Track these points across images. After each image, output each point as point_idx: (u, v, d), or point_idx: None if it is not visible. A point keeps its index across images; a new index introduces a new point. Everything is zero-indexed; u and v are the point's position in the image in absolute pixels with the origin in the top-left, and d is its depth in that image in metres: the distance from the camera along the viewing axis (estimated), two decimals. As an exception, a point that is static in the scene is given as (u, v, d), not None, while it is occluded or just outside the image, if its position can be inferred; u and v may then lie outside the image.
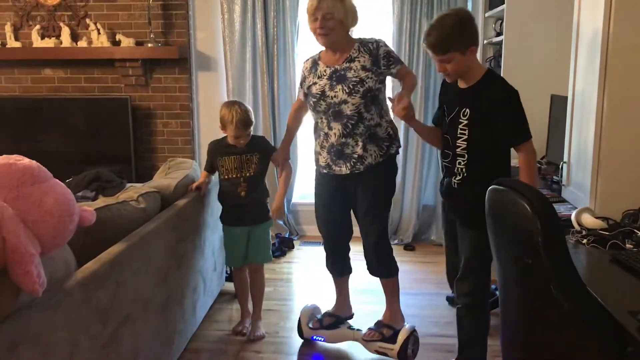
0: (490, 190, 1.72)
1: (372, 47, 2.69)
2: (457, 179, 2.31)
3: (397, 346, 2.76)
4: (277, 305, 3.47)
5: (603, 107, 2.14)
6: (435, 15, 2.39)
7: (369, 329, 2.93)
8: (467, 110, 2.22)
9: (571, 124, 2.47)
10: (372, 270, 2.90)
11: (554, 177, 2.93)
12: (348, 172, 2.71)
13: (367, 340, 2.87)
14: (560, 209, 2.34)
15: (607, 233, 2.01)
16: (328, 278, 3.99)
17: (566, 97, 2.55)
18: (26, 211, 1.50)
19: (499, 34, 3.98)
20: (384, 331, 2.87)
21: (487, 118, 2.18)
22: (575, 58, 2.43)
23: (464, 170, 2.28)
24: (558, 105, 3.16)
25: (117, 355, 1.95)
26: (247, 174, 2.89)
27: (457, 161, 2.28)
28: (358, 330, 2.98)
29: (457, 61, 2.17)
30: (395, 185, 2.90)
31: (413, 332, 2.83)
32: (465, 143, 2.25)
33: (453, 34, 2.15)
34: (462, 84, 2.28)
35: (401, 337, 2.77)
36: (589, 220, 2.10)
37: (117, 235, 2.14)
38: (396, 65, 2.73)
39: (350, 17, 2.65)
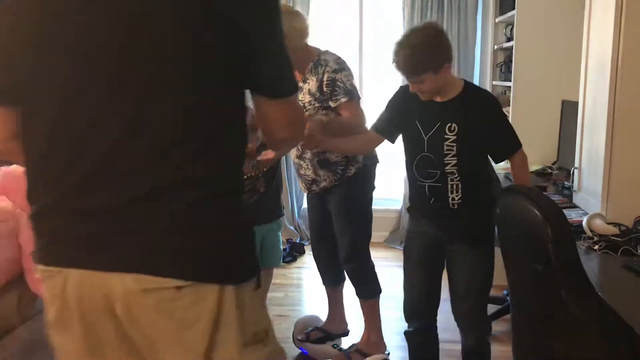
0: (501, 196, 1.73)
1: (320, 71, 2.38)
2: (455, 200, 2.10)
3: None
4: (288, 310, 3.48)
5: (614, 113, 2.14)
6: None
7: (340, 350, 2.83)
8: (454, 125, 2.05)
9: (582, 129, 2.47)
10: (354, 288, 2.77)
11: (565, 182, 2.92)
12: (306, 191, 2.66)
13: None
14: (572, 214, 2.34)
15: (618, 239, 2.00)
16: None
17: (577, 103, 2.55)
18: (42, 218, 1.52)
19: (509, 39, 3.99)
20: (353, 357, 2.77)
21: (477, 130, 2.06)
22: (586, 63, 2.43)
23: (459, 187, 2.09)
24: (569, 111, 3.16)
25: None
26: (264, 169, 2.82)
27: (449, 179, 2.09)
28: (342, 350, 2.87)
29: (430, 81, 2.01)
30: (367, 200, 2.70)
31: None
32: (455, 159, 2.07)
33: (423, 55, 1.97)
34: (438, 98, 2.10)
35: None
36: (600, 226, 2.09)
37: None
38: (338, 97, 2.36)
39: (294, 37, 2.24)
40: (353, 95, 2.41)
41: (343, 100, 2.37)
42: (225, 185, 1.13)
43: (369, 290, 2.76)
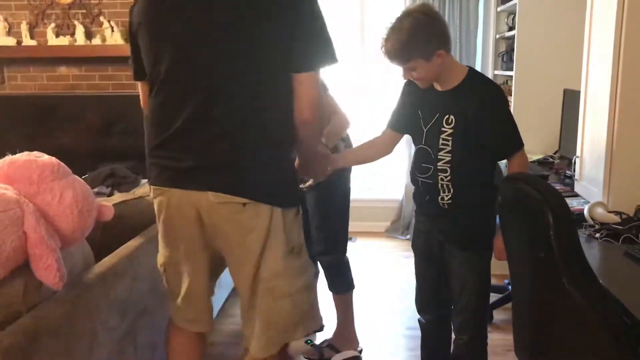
0: (503, 184, 1.73)
1: None
2: (445, 199, 1.98)
3: None
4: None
5: (616, 101, 2.14)
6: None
7: (313, 346, 2.80)
8: (452, 117, 1.91)
9: (584, 118, 2.47)
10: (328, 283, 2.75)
11: (567, 171, 2.92)
12: None
13: (305, 357, 2.77)
14: (573, 203, 2.34)
15: (620, 227, 2.01)
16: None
17: (579, 92, 2.54)
18: (46, 206, 1.53)
19: (511, 28, 3.98)
20: (325, 352, 2.76)
21: (476, 124, 1.89)
22: (588, 52, 2.43)
23: (449, 187, 1.96)
24: (571, 100, 3.16)
25: (134, 347, 1.98)
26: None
27: (439, 177, 1.96)
28: (314, 346, 2.81)
29: (422, 68, 1.87)
30: (347, 192, 2.67)
31: (353, 358, 2.68)
32: (449, 156, 1.93)
33: (412, 40, 1.82)
34: (438, 87, 1.97)
35: None
36: (602, 214, 2.10)
37: (133, 230, 2.18)
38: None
39: None
40: (326, 87, 2.52)
41: (325, 93, 2.46)
42: (279, 136, 1.60)
43: (345, 285, 2.73)
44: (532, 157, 3.39)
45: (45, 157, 1.60)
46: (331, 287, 2.74)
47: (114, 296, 1.86)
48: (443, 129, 1.93)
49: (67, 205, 1.56)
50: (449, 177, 1.95)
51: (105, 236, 2.03)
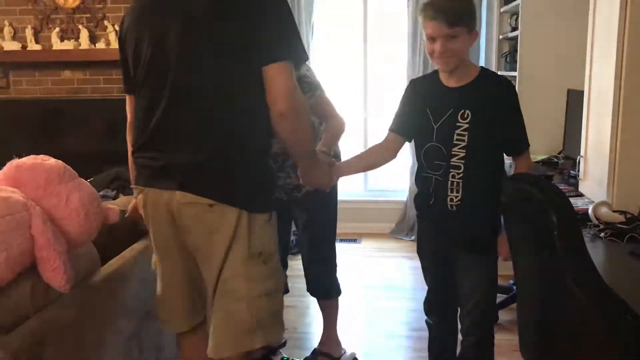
0: (507, 184, 1.73)
1: None
2: (454, 200, 1.95)
3: None
4: (294, 301, 3.50)
5: (620, 101, 2.14)
6: None
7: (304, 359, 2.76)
8: (467, 112, 1.89)
9: (588, 118, 2.47)
10: (309, 288, 2.72)
11: (571, 171, 2.92)
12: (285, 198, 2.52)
13: None
14: (578, 203, 2.34)
15: (624, 226, 2.01)
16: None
17: (583, 92, 2.54)
18: (53, 209, 1.54)
19: (514, 29, 3.98)
20: None
21: (493, 118, 1.89)
22: (592, 52, 2.43)
23: (460, 185, 1.93)
24: (575, 100, 3.15)
25: (140, 350, 2.00)
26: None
27: (451, 174, 1.94)
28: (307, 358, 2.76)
29: (462, 40, 1.84)
30: (336, 196, 2.62)
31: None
32: (464, 151, 1.91)
33: (465, 5, 1.86)
34: (451, 82, 1.95)
35: None
36: (606, 214, 2.10)
37: (139, 233, 2.18)
38: (313, 92, 2.38)
39: None
40: (321, 87, 2.46)
41: (318, 93, 2.41)
42: (249, 141, 1.61)
43: (335, 289, 2.70)
44: (537, 157, 3.39)
45: (51, 161, 1.62)
46: (321, 292, 2.71)
47: (120, 298, 1.87)
48: (458, 123, 1.91)
49: (73, 208, 1.57)
50: (461, 175, 1.92)
51: (111, 239, 2.04)
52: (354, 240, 4.68)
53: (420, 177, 2.06)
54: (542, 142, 3.52)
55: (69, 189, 1.58)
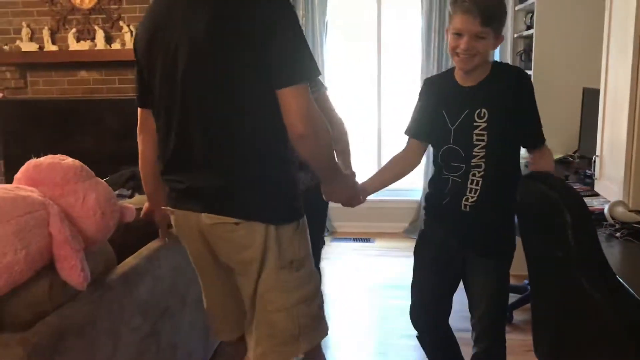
0: (521, 184, 1.72)
1: None
2: (470, 200, 1.91)
3: None
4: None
5: (636, 99, 2.12)
6: None
7: None
8: (484, 110, 1.86)
9: (604, 116, 2.45)
10: None
11: (587, 171, 2.90)
12: None
13: None
14: (593, 202, 2.33)
15: (641, 226, 1.99)
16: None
17: (598, 90, 2.52)
18: (70, 208, 1.56)
19: (529, 27, 3.95)
20: None
21: (512, 113, 1.86)
22: (608, 50, 2.41)
23: (479, 184, 1.90)
24: (590, 98, 3.13)
25: (157, 348, 2.01)
26: None
27: (472, 173, 1.91)
28: None
29: (488, 42, 1.81)
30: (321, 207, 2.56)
31: None
32: (483, 151, 1.87)
33: (500, 6, 1.85)
34: (466, 82, 1.92)
35: None
36: (622, 213, 2.08)
37: (154, 232, 2.20)
38: (318, 88, 2.31)
39: None
40: (324, 86, 2.45)
41: (323, 90, 2.39)
42: (269, 153, 1.59)
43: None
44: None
45: (68, 160, 1.64)
46: None
47: (137, 296, 1.89)
48: (475, 123, 1.87)
49: (90, 207, 1.59)
50: (482, 173, 1.89)
51: (127, 238, 2.06)
52: (367, 240, 4.68)
53: (437, 179, 2.02)
54: (557, 142, 3.49)
55: (85, 188, 1.61)
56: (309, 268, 1.72)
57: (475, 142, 1.88)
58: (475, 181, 1.91)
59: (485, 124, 1.86)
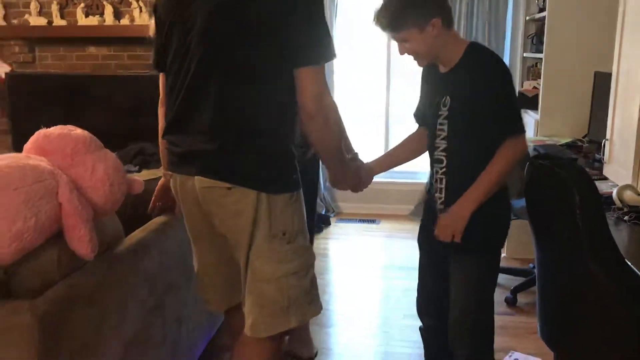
0: (530, 165, 1.72)
1: None
2: (439, 201, 1.81)
3: None
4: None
5: (648, 83, 2.10)
6: None
7: None
8: (447, 98, 1.74)
9: (615, 100, 2.43)
10: None
11: (596, 155, 2.89)
12: None
13: None
14: (602, 186, 2.31)
15: (649, 210, 1.99)
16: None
17: (610, 74, 2.50)
18: (80, 178, 1.57)
19: (541, 9, 3.91)
20: None
21: (470, 103, 1.69)
22: (621, 34, 2.38)
23: (443, 181, 1.79)
24: (601, 82, 3.10)
25: (162, 320, 2.03)
26: None
27: (435, 169, 1.81)
28: None
29: (415, 41, 1.71)
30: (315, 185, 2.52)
31: None
32: (445, 143, 1.76)
33: (402, 5, 1.69)
34: (442, 67, 1.79)
35: None
36: (630, 197, 2.08)
37: (161, 206, 2.21)
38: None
39: None
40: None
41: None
42: (268, 124, 1.59)
43: None
44: (561, 140, 3.35)
45: (78, 131, 1.64)
46: None
47: (143, 269, 1.90)
48: (440, 112, 1.76)
49: (99, 178, 1.60)
50: (443, 169, 1.78)
51: (134, 212, 2.07)
52: (373, 221, 4.69)
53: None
54: (566, 126, 3.48)
55: (94, 159, 1.61)
56: (302, 242, 1.71)
57: (437, 132, 1.78)
58: (439, 179, 1.80)
59: (446, 113, 1.75)
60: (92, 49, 4.80)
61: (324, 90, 1.58)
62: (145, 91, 4.68)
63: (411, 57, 1.79)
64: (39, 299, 1.40)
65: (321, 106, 1.58)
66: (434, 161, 1.82)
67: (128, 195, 1.78)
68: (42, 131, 1.62)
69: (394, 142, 2.17)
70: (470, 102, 1.70)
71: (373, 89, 4.95)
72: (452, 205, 1.75)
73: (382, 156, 2.14)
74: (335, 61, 4.66)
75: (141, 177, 2.29)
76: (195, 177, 1.63)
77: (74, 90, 4.74)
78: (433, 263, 1.97)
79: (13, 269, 1.45)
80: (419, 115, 1.98)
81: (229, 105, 1.58)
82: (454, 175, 1.77)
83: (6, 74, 4.76)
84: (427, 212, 1.98)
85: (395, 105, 4.85)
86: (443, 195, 1.80)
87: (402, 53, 1.78)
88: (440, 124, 1.76)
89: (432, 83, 1.86)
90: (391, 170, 2.16)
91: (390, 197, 4.83)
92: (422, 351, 2.54)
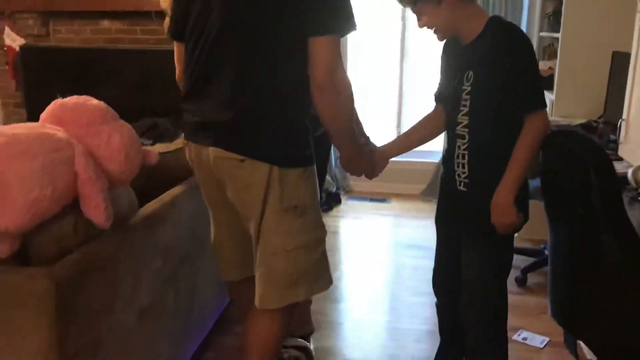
0: (546, 142, 1.70)
1: None
2: (462, 176, 1.78)
3: None
4: (324, 256, 3.55)
5: (668, 62, 2.07)
6: None
7: None
8: (471, 72, 1.70)
9: (633, 79, 2.40)
10: None
11: (611, 136, 2.86)
12: None
13: None
14: (617, 166, 2.29)
15: (664, 191, 1.97)
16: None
17: (629, 54, 2.47)
18: (95, 148, 1.58)
19: (560, -12, 3.85)
20: None
21: (493, 77, 1.67)
22: (641, 11, 2.34)
23: (465, 156, 1.76)
24: (619, 62, 3.06)
25: (176, 291, 2.05)
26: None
27: (457, 144, 1.77)
28: None
29: (432, 15, 1.70)
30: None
31: (302, 349, 2.37)
32: (467, 118, 1.73)
33: None
34: (464, 39, 1.76)
35: None
36: (646, 177, 2.06)
37: (174, 179, 2.23)
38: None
39: None
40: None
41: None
42: (284, 98, 1.59)
43: None
44: (575, 120, 3.32)
45: (94, 101, 1.65)
46: None
47: (157, 240, 1.92)
48: (463, 87, 1.73)
49: (114, 149, 1.60)
50: (466, 144, 1.75)
51: (148, 184, 2.08)
52: (384, 200, 4.69)
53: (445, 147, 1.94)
54: (582, 106, 3.44)
55: (110, 130, 1.61)
56: (314, 217, 1.72)
57: (460, 108, 1.75)
58: (461, 155, 1.78)
59: (469, 88, 1.71)
60: (105, 23, 4.80)
61: (337, 63, 1.55)
62: (158, 66, 4.69)
63: (430, 32, 1.77)
64: (56, 265, 1.42)
65: (333, 79, 1.55)
66: (455, 137, 1.80)
67: (142, 167, 1.79)
68: (58, 101, 1.63)
69: (407, 124, 2.14)
70: (491, 74, 1.67)
71: (386, 69, 4.92)
72: (477, 179, 1.75)
73: (397, 138, 2.11)
74: (349, 39, 4.63)
75: (157, 149, 2.30)
76: (210, 147, 1.65)
77: (87, 64, 4.75)
78: (448, 242, 1.97)
79: (30, 236, 1.47)
80: (440, 95, 1.94)
81: (246, 75, 1.58)
82: (477, 150, 1.74)
83: (20, 46, 4.77)
84: (443, 191, 1.97)
85: (409, 85, 4.82)
86: (466, 169, 1.77)
87: (421, 27, 1.76)
88: (464, 99, 1.73)
89: (454, 58, 1.83)
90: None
91: (401, 177, 4.82)
92: (430, 327, 2.57)
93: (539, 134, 1.66)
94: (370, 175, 1.97)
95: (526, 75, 1.66)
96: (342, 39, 1.61)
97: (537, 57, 4.24)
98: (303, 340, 2.43)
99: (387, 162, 2.00)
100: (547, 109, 3.57)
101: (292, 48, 1.55)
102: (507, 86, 1.65)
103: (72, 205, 1.53)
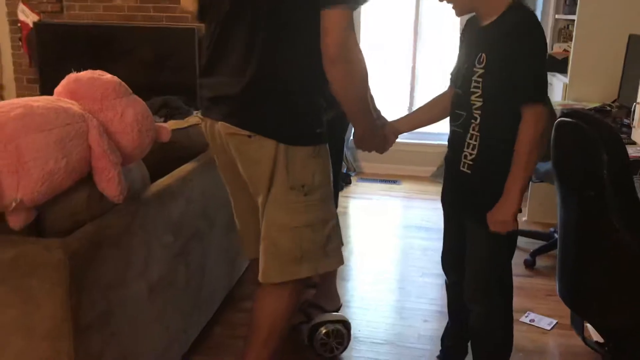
0: (559, 123, 1.70)
1: None
2: (468, 157, 1.75)
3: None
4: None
5: (685, 45, 2.05)
6: None
7: None
8: (483, 55, 1.67)
9: (648, 63, 2.38)
10: None
11: (624, 120, 2.84)
12: None
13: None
14: (630, 150, 2.28)
15: (677, 175, 1.96)
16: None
17: (645, 36, 2.44)
18: (109, 122, 1.59)
19: (577, -31, 3.79)
20: (311, 313, 2.45)
21: (504, 61, 1.63)
22: (660, -7, 2.31)
23: (476, 140, 1.72)
24: (636, 46, 3.03)
25: (186, 266, 2.08)
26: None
27: (471, 125, 1.73)
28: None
29: None
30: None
31: (341, 322, 2.34)
32: (480, 100, 1.69)
33: None
34: (482, 21, 1.73)
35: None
36: (658, 161, 2.05)
37: (186, 156, 2.24)
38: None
39: None
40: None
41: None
42: (293, 76, 1.59)
43: None
44: (589, 104, 3.29)
45: (108, 76, 1.66)
46: None
47: (169, 215, 1.94)
48: (475, 69, 1.70)
49: (128, 123, 1.62)
50: (477, 127, 1.72)
51: (160, 160, 2.09)
52: (394, 182, 4.69)
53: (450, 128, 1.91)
54: (596, 90, 3.41)
55: (124, 104, 1.63)
56: (322, 196, 1.70)
57: (473, 89, 1.72)
58: (473, 136, 1.74)
59: (482, 70, 1.68)
60: (118, 0, 4.79)
61: (349, 36, 1.53)
62: (171, 44, 4.70)
63: (447, 8, 1.76)
64: (70, 237, 1.44)
65: (345, 52, 1.53)
66: (470, 117, 1.75)
67: (155, 143, 1.81)
68: (73, 75, 1.64)
69: (419, 102, 2.13)
70: (499, 60, 1.65)
71: (399, 47, 4.89)
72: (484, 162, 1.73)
73: (409, 114, 2.11)
74: (362, 16, 4.60)
75: (169, 125, 2.31)
76: (219, 122, 1.67)
77: (100, 41, 4.76)
78: (454, 222, 1.98)
79: (45, 209, 1.50)
80: (452, 73, 1.91)
81: (256, 48, 1.57)
82: (487, 133, 1.71)
83: (34, 23, 4.79)
84: (448, 172, 1.97)
85: (423, 64, 4.79)
86: (475, 151, 1.73)
87: (440, 0, 1.75)
88: (476, 81, 1.70)
89: (470, 39, 1.81)
90: (414, 131, 2.13)
91: (412, 159, 4.82)
92: (438, 308, 2.58)
93: (534, 132, 1.59)
94: (381, 150, 1.98)
95: (526, 64, 1.61)
96: (355, 16, 1.60)
97: (552, 39, 4.22)
98: (338, 314, 2.45)
99: (397, 137, 2.01)
100: (561, 91, 3.56)
101: (303, 21, 1.54)
102: (512, 73, 1.62)
103: (86, 180, 1.55)
